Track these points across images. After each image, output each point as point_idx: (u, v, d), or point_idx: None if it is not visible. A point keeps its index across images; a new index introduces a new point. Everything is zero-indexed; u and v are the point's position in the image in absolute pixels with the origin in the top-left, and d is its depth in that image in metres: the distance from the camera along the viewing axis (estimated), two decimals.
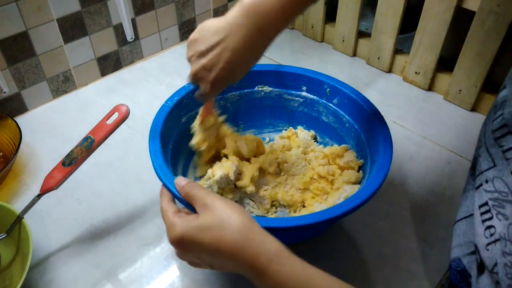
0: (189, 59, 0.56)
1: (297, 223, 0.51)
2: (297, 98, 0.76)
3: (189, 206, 0.50)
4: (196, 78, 0.56)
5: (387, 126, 0.64)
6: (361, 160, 0.69)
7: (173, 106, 0.67)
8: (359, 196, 0.54)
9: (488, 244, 0.42)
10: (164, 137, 0.63)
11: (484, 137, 0.48)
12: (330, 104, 0.73)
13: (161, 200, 0.52)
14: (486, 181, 0.44)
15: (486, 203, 0.44)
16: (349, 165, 0.69)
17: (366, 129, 0.68)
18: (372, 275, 0.62)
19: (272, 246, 0.43)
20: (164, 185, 0.54)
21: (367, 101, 0.69)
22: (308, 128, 0.78)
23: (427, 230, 0.68)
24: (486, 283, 0.42)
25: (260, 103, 0.77)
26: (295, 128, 0.78)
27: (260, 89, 0.76)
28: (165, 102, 0.67)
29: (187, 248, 0.46)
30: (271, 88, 0.76)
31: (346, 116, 0.72)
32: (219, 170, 0.64)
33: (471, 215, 0.54)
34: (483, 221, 0.43)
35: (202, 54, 0.53)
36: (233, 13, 0.51)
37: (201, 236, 0.44)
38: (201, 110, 0.66)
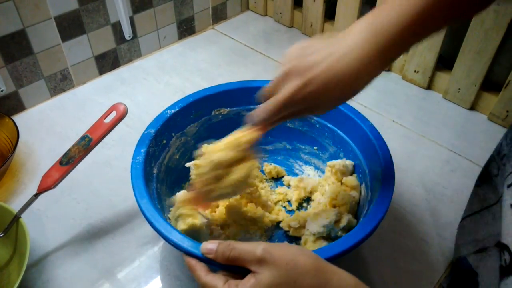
0: (283, 62, 0.48)
1: (350, 243, 0.50)
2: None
3: (232, 267, 0.44)
4: (280, 80, 0.47)
5: (365, 118, 0.65)
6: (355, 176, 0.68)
7: (143, 160, 0.60)
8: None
9: None
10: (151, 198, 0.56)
11: None
12: None
13: (197, 277, 0.45)
14: None
15: None
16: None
17: (343, 126, 0.67)
18: (371, 274, 0.62)
19: (349, 282, 0.41)
20: (195, 256, 0.47)
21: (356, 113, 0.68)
22: (274, 138, 0.75)
23: (426, 229, 0.68)
24: None
25: (219, 127, 0.70)
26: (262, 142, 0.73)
27: (217, 113, 0.71)
28: (132, 160, 0.60)
29: None
30: (228, 109, 0.71)
31: (314, 118, 0.70)
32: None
33: (475, 212, 0.53)
34: None
35: (302, 56, 0.46)
36: (347, 31, 0.46)
37: None
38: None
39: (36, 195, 0.61)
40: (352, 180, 0.67)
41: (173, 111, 0.66)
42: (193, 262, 0.46)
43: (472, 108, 0.90)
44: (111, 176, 0.75)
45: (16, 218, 0.59)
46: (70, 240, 0.65)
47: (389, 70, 1.01)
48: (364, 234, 0.50)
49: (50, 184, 0.60)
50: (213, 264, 0.45)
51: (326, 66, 0.44)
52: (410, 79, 0.97)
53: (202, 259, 0.46)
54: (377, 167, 0.61)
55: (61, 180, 0.61)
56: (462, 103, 0.91)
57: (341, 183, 0.68)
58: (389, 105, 0.91)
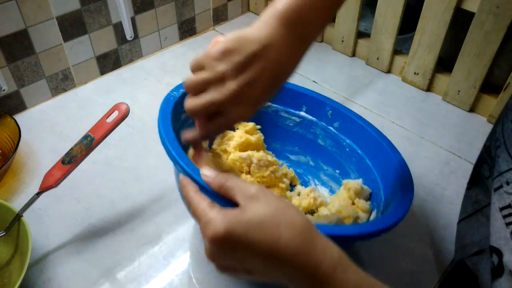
0: (224, 73, 0.43)
1: (361, 231, 0.48)
2: (294, 118, 0.72)
3: (223, 202, 0.42)
4: (237, 97, 0.44)
5: (397, 151, 0.62)
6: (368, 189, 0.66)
7: (178, 97, 0.62)
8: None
9: None
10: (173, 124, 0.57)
11: (503, 137, 0.47)
12: (330, 128, 0.70)
13: (185, 192, 0.43)
14: (507, 183, 0.43)
15: (509, 206, 0.43)
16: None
17: (373, 154, 0.65)
18: (371, 274, 0.62)
19: (334, 251, 0.38)
20: (187, 174, 0.46)
21: (371, 125, 0.66)
22: (301, 150, 0.74)
23: (425, 230, 0.68)
24: (506, 286, 0.42)
25: (255, 118, 0.68)
26: (284, 149, 0.75)
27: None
28: (170, 92, 0.62)
29: (231, 248, 0.38)
30: (269, 103, 0.71)
31: (347, 140, 0.68)
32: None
33: (469, 215, 0.54)
34: (508, 224, 0.42)
35: (242, 67, 0.43)
36: (270, 22, 0.45)
37: (251, 233, 0.37)
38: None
39: (38, 194, 0.61)
40: (364, 204, 0.64)
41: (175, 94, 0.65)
42: (186, 180, 0.45)
43: (472, 110, 0.91)
44: (112, 175, 0.75)
45: (18, 216, 0.59)
46: (71, 239, 0.66)
47: (389, 72, 1.01)
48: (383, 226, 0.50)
49: (52, 183, 0.60)
50: (207, 190, 0.44)
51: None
52: (410, 81, 0.97)
53: (198, 183, 0.45)
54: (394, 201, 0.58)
55: (63, 179, 0.61)
56: (462, 105, 0.91)
57: (353, 203, 0.65)
58: (389, 107, 0.91)
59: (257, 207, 0.38)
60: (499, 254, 0.43)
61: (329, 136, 0.70)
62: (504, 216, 0.43)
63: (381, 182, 0.63)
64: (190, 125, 0.63)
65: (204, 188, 0.45)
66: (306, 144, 0.73)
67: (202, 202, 0.41)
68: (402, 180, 0.58)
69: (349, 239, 0.50)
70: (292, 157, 0.76)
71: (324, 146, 0.72)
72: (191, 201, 0.42)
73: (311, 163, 0.74)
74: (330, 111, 0.69)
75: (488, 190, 0.51)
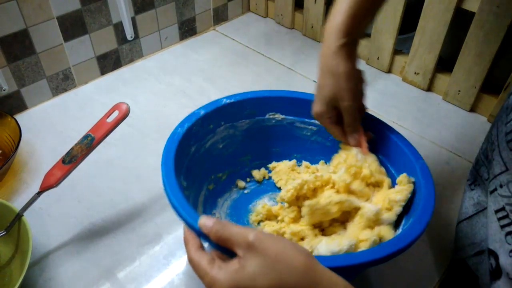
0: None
1: (362, 259, 0.46)
2: (310, 127, 0.71)
3: (223, 248, 0.43)
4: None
5: (422, 159, 0.61)
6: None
7: (184, 133, 0.61)
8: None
9: None
10: (177, 168, 0.57)
11: (497, 140, 0.47)
12: None
13: (187, 250, 0.44)
14: (501, 186, 0.43)
15: (503, 208, 0.43)
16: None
17: (394, 161, 0.63)
18: (371, 274, 0.63)
19: (339, 284, 0.39)
20: (190, 227, 0.47)
21: (395, 131, 0.65)
22: (321, 157, 0.72)
23: (426, 230, 0.68)
24: None
25: (270, 132, 0.71)
26: (305, 158, 0.73)
27: (271, 116, 0.70)
28: (175, 129, 0.61)
29: None
30: (283, 116, 0.70)
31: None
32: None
33: (470, 216, 0.54)
34: (502, 226, 0.43)
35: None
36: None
37: (256, 285, 0.37)
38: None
39: (38, 193, 0.61)
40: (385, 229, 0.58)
41: (229, 101, 0.66)
42: (189, 236, 0.45)
43: (472, 110, 0.91)
44: (112, 175, 0.75)
45: (19, 216, 0.59)
46: (71, 239, 0.66)
47: (389, 72, 1.01)
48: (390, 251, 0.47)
49: (52, 183, 0.60)
50: (206, 240, 0.45)
51: None
52: (411, 81, 0.97)
53: (199, 232, 0.45)
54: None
55: (63, 179, 0.61)
56: (462, 105, 0.91)
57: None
58: (389, 107, 0.91)
59: (256, 258, 0.38)
60: (496, 256, 0.43)
61: None
62: (499, 219, 0.43)
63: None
64: (200, 159, 0.64)
65: (206, 240, 0.45)
66: (326, 151, 0.71)
67: (202, 260, 0.41)
68: (424, 192, 0.55)
69: (350, 269, 0.48)
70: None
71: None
72: (192, 261, 0.42)
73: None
74: None
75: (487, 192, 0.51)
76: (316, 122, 0.65)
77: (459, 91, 0.90)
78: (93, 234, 0.66)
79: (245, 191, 0.71)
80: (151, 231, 0.67)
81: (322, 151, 0.72)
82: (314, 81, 0.98)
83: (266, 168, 0.74)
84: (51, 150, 0.79)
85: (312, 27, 1.10)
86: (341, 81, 0.55)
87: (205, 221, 0.44)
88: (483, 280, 0.48)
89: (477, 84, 0.86)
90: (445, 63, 0.95)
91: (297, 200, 0.62)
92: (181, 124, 0.62)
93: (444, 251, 0.65)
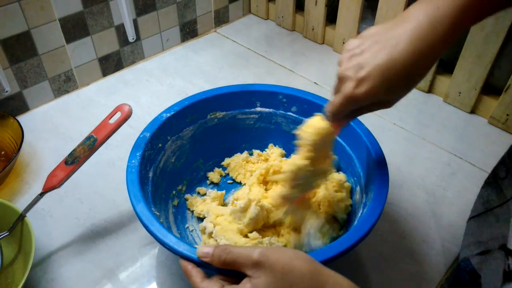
0: (339, 64, 0.48)
1: (345, 246, 0.49)
2: (252, 116, 0.73)
3: (227, 271, 0.44)
4: (340, 81, 0.47)
5: (362, 124, 0.64)
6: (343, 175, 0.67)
7: (139, 162, 0.60)
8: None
9: None
10: (146, 201, 0.56)
11: None
12: (289, 113, 0.72)
13: (193, 282, 0.44)
14: None
15: None
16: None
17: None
18: (372, 275, 0.63)
19: (344, 285, 0.41)
20: (190, 260, 0.47)
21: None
22: (269, 141, 0.76)
23: (427, 231, 0.68)
24: None
25: (215, 131, 0.73)
26: (255, 147, 0.76)
27: (212, 116, 0.71)
28: (129, 161, 0.59)
29: None
30: (223, 112, 0.71)
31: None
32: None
33: (479, 214, 0.53)
34: None
35: (355, 54, 0.46)
36: (402, 16, 0.45)
37: None
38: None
39: (41, 194, 0.61)
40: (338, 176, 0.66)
41: (168, 114, 0.66)
42: (189, 267, 0.46)
43: (473, 111, 0.91)
44: (114, 176, 0.76)
45: (21, 217, 0.59)
46: (74, 240, 0.66)
47: None
48: (358, 237, 0.51)
49: (55, 183, 0.60)
50: (208, 268, 0.45)
51: (381, 60, 0.44)
52: None
53: (198, 262, 0.46)
54: (368, 161, 0.61)
55: (66, 180, 0.61)
56: (463, 107, 0.91)
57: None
58: (390, 109, 0.91)
59: (265, 275, 0.39)
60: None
61: (290, 121, 0.73)
62: None
63: (355, 157, 0.65)
64: (158, 180, 0.64)
65: (208, 268, 0.46)
66: (273, 134, 0.75)
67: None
68: (375, 158, 0.60)
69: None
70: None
71: (289, 131, 0.73)
72: None
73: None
74: (284, 99, 0.71)
75: (501, 191, 0.51)
76: (257, 109, 0.71)
77: (460, 93, 0.90)
78: (95, 235, 0.67)
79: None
80: None
81: (268, 135, 0.75)
82: (315, 82, 0.98)
83: (220, 167, 0.75)
84: (53, 151, 0.79)
85: (313, 29, 1.10)
86: (411, 84, 0.47)
87: (204, 250, 0.45)
88: (485, 279, 0.48)
89: (478, 86, 0.87)
90: (446, 64, 0.95)
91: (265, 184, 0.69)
92: (133, 155, 0.60)
93: (446, 252, 0.65)
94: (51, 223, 0.68)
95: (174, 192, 0.68)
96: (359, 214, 0.58)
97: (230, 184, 0.74)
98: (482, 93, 0.88)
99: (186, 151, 0.70)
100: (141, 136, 0.63)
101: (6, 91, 0.82)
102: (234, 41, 1.12)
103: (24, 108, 0.87)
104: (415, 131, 0.87)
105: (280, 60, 1.05)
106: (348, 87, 0.46)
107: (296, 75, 1.00)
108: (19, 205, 0.66)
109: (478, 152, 0.82)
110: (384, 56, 0.43)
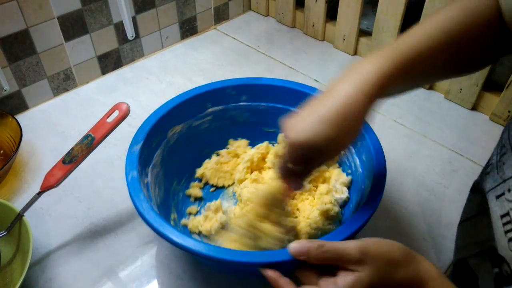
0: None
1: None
2: (206, 118, 0.72)
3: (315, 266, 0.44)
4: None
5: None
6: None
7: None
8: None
9: None
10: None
11: (510, 143, 0.46)
12: (240, 103, 0.72)
13: None
14: (509, 190, 0.43)
15: (507, 214, 0.42)
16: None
17: (291, 101, 0.69)
18: None
19: (433, 271, 0.43)
20: (274, 266, 0.46)
21: (280, 80, 0.71)
22: (229, 137, 0.75)
23: (427, 229, 0.68)
24: None
25: (178, 147, 0.69)
26: (219, 147, 0.75)
27: (172, 132, 0.68)
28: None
29: None
30: (180, 125, 0.69)
31: (263, 104, 0.72)
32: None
33: (474, 216, 0.53)
34: (506, 232, 0.42)
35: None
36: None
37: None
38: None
39: (39, 194, 0.61)
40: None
41: (137, 146, 0.61)
42: (275, 275, 0.45)
43: (474, 108, 0.90)
44: (113, 175, 0.75)
45: (19, 216, 0.59)
46: (72, 239, 0.66)
47: None
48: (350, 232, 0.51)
49: (53, 183, 0.60)
50: (288, 265, 0.45)
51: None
52: None
53: (273, 264, 0.46)
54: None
55: (64, 179, 0.61)
56: (464, 103, 0.91)
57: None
58: (391, 105, 0.91)
59: (370, 269, 0.41)
60: (507, 262, 0.42)
61: (244, 111, 0.73)
62: (504, 224, 0.43)
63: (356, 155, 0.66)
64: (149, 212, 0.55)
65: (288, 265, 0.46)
66: (232, 130, 0.75)
67: None
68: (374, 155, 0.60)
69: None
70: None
71: (246, 121, 0.74)
72: None
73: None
74: (233, 92, 0.71)
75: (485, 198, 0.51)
76: (208, 111, 0.71)
77: (461, 89, 0.90)
78: (94, 234, 0.66)
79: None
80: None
81: (227, 132, 0.75)
82: (315, 80, 0.97)
83: (195, 180, 0.73)
84: (52, 150, 0.79)
85: (313, 25, 1.09)
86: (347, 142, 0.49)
87: (299, 247, 0.44)
88: (482, 280, 0.48)
89: (479, 82, 0.86)
90: None
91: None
92: (135, 196, 0.55)
93: (445, 250, 0.65)
94: (49, 222, 0.68)
95: (172, 223, 0.64)
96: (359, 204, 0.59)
97: (213, 192, 0.72)
98: (484, 90, 0.87)
99: (161, 178, 0.66)
100: (129, 178, 0.57)
101: (5, 90, 0.82)
102: (234, 38, 1.11)
103: (23, 106, 0.87)
104: (415, 128, 0.86)
105: (281, 57, 1.04)
106: (289, 137, 0.47)
107: (296, 72, 1.00)
108: (18, 204, 0.66)
109: (479, 149, 0.82)
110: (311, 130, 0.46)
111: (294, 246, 0.44)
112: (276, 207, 0.56)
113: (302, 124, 0.46)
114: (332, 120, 0.45)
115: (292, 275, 0.44)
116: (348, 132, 0.47)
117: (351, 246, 0.42)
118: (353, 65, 0.48)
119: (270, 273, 0.45)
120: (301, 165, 0.50)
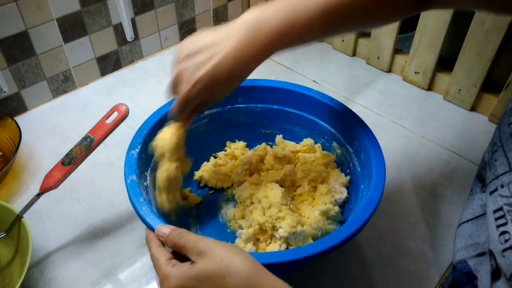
0: (175, 62, 0.52)
1: (301, 255, 0.48)
2: (202, 121, 0.72)
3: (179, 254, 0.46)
4: (176, 81, 0.52)
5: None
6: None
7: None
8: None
9: (504, 250, 0.42)
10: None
11: (501, 141, 0.47)
12: (236, 105, 0.73)
13: (149, 247, 0.47)
14: (502, 186, 0.44)
15: (501, 208, 0.43)
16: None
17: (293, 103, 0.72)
18: (371, 274, 0.62)
19: (280, 284, 0.41)
20: (152, 229, 0.49)
21: (275, 82, 0.72)
22: (226, 139, 0.76)
23: (426, 230, 0.68)
24: None
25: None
26: (216, 150, 0.76)
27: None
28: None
29: None
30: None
31: (259, 105, 0.73)
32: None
33: (477, 217, 0.53)
34: (498, 226, 0.43)
35: (189, 56, 0.51)
36: (233, 25, 0.50)
37: (200, 286, 0.41)
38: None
39: (38, 195, 0.61)
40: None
41: (135, 151, 0.61)
42: (150, 235, 0.48)
43: (473, 109, 0.90)
44: (112, 176, 0.75)
45: (18, 218, 0.59)
46: (71, 240, 0.66)
47: (389, 71, 1.01)
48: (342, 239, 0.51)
49: (52, 184, 0.60)
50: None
51: (209, 68, 0.49)
52: (411, 80, 0.97)
53: (273, 264, 0.47)
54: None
55: (63, 180, 0.61)
56: (463, 104, 0.91)
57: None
58: (389, 106, 0.91)
59: (204, 262, 0.42)
60: (494, 257, 0.43)
61: (240, 113, 0.74)
62: (496, 219, 0.43)
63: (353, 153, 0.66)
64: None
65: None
66: (229, 131, 0.75)
67: (161, 257, 0.45)
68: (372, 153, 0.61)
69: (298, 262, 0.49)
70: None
71: (242, 123, 0.75)
72: (152, 256, 0.46)
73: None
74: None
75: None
76: (205, 113, 0.72)
77: (460, 90, 0.90)
78: (93, 235, 0.66)
79: (204, 219, 0.69)
80: None
81: (224, 134, 0.76)
82: (314, 81, 0.98)
83: (194, 182, 0.73)
84: (51, 152, 0.79)
85: None
86: (233, 86, 0.54)
87: (162, 229, 0.47)
88: (482, 281, 0.48)
89: (478, 83, 0.86)
90: (446, 62, 0.95)
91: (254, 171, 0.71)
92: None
93: (445, 251, 0.65)
94: (48, 223, 0.68)
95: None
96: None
97: (212, 194, 0.72)
98: (482, 90, 0.87)
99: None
100: (127, 182, 0.57)
101: (4, 92, 0.82)
102: None
103: (22, 108, 0.87)
104: (415, 129, 0.86)
105: (279, 58, 1.04)
106: (184, 89, 0.51)
107: (295, 73, 1.00)
108: (17, 205, 0.66)
109: (478, 150, 0.82)
110: (212, 64, 0.49)
111: (161, 226, 0.48)
112: (180, 149, 0.59)
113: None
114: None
115: (292, 275, 0.45)
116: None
117: (202, 239, 0.44)
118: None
119: (147, 232, 0.49)
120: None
